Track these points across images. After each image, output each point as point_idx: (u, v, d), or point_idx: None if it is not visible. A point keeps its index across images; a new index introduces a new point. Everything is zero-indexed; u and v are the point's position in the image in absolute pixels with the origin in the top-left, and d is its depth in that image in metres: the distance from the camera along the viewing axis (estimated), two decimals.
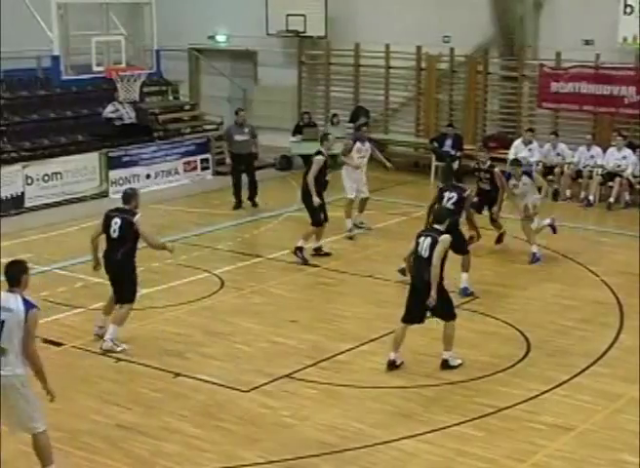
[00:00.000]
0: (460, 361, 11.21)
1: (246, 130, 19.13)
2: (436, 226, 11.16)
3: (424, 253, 10.91)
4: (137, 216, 11.59)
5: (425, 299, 10.89)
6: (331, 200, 16.60)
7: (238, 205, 18.91)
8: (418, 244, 11.06)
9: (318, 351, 11.75)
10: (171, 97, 24.32)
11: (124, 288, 11.78)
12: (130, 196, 11.89)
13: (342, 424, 9.84)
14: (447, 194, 13.77)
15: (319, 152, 15.35)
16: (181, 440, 9.50)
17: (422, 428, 9.72)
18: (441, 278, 10.90)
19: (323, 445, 9.40)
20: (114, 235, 11.62)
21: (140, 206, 11.95)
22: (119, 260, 11.66)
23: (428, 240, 10.92)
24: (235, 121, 19.33)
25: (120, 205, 11.86)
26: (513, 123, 21.87)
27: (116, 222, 11.59)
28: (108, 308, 12.03)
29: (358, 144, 17.38)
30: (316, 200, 15.16)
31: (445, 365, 11.14)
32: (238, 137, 18.96)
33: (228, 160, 19.23)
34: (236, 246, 16.48)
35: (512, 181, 15.69)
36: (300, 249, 15.16)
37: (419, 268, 11.04)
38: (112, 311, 11.96)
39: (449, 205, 13.54)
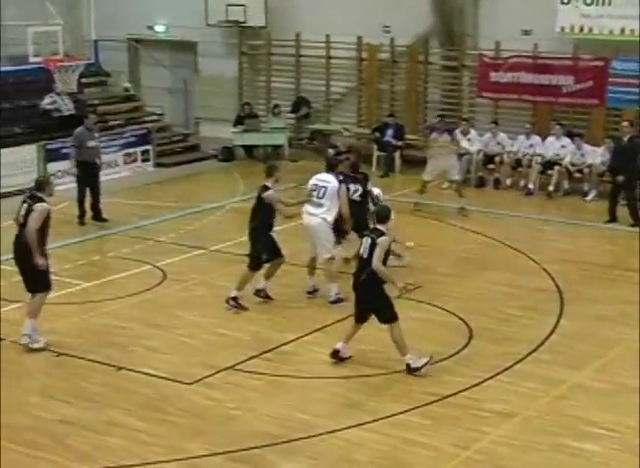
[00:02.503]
0: (425, 360, 10.87)
1: (96, 135, 17.75)
2: (378, 226, 10.99)
3: (364, 254, 10.84)
4: (38, 204, 11.28)
5: (364, 299, 10.88)
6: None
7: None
8: (360, 244, 11.00)
9: (262, 342, 11.72)
10: (123, 89, 24.23)
11: (32, 277, 11.43)
12: (43, 183, 11.72)
13: (288, 415, 9.84)
14: (351, 186, 13.65)
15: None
16: (126, 434, 9.42)
17: (368, 417, 9.75)
18: (381, 281, 10.77)
19: (269, 435, 9.38)
20: (21, 220, 11.38)
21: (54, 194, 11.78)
22: (22, 248, 11.34)
23: (368, 240, 10.82)
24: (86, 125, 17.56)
25: (34, 192, 11.59)
26: (454, 112, 21.97)
27: (23, 208, 11.39)
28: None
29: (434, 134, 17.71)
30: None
31: (409, 369, 10.81)
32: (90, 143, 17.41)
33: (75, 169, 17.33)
34: (179, 238, 16.35)
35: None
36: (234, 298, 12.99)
37: (358, 268, 11.00)
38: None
39: (355, 197, 13.55)
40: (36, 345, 11.45)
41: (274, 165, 13.64)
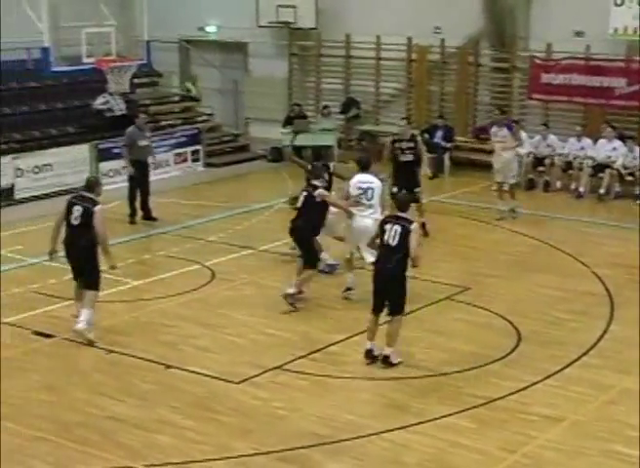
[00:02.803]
0: (400, 360, 11.00)
1: (148, 134, 17.94)
2: (401, 214, 11.09)
3: (392, 242, 10.86)
4: (98, 207, 11.64)
5: (388, 287, 10.92)
6: None
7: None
8: (384, 231, 10.96)
9: (310, 342, 11.76)
10: (185, 89, 24.43)
11: (90, 273, 11.77)
12: (93, 184, 12.02)
13: (334, 415, 9.86)
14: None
15: None
16: (174, 432, 9.50)
17: (414, 419, 9.75)
18: (406, 270, 10.92)
19: (315, 436, 9.42)
20: (75, 222, 11.66)
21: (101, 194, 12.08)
22: (83, 247, 11.64)
23: (397, 228, 10.85)
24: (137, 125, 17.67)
25: (83, 192, 11.92)
26: (504, 114, 21.80)
27: (77, 210, 11.66)
28: (80, 295, 12.00)
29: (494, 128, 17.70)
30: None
31: (385, 361, 10.94)
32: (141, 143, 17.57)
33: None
34: (228, 238, 16.46)
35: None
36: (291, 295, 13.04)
37: (386, 256, 10.97)
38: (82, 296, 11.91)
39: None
40: (91, 335, 11.66)
41: (322, 166, 13.84)
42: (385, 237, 10.93)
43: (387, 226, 10.97)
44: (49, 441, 9.27)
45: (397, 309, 11.00)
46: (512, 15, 21.35)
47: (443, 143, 21.33)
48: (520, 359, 11.29)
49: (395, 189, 15.26)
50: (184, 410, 9.96)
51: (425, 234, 15.45)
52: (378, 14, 22.31)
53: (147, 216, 17.40)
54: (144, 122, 17.97)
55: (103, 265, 11.90)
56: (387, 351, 10.96)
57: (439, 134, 21.43)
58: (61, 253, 12.00)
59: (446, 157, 21.43)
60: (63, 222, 11.85)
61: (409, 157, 15.74)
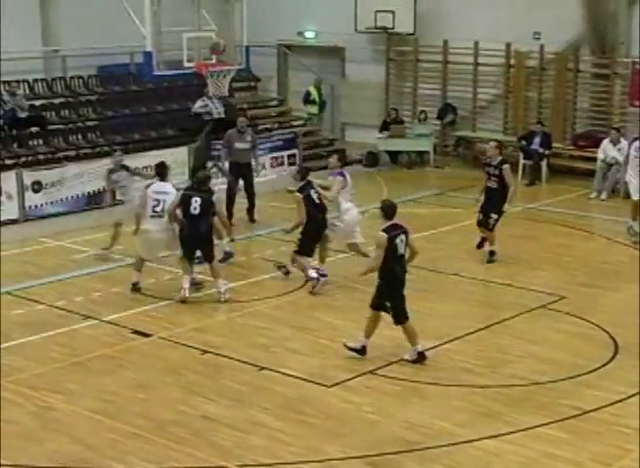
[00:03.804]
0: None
1: (248, 138, 17.97)
2: (396, 222, 11.24)
3: (403, 251, 11.17)
4: (215, 197, 13.51)
5: (401, 295, 11.21)
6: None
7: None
8: (395, 246, 11.04)
9: (402, 348, 11.73)
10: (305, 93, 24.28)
11: (209, 252, 13.40)
12: (206, 178, 13.79)
13: (425, 422, 9.84)
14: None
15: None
16: (266, 433, 9.59)
17: (506, 428, 9.66)
18: None
19: (405, 442, 9.41)
20: (195, 212, 13.19)
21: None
22: (204, 232, 13.24)
23: (403, 237, 11.14)
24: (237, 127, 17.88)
25: (197, 186, 13.57)
26: (604, 121, 21.52)
27: (196, 201, 13.17)
28: (187, 269, 13.40)
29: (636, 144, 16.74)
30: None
31: (422, 356, 11.26)
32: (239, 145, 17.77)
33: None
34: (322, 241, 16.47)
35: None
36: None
37: (399, 265, 11.16)
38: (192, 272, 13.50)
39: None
40: (228, 295, 13.41)
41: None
42: (398, 249, 11.07)
43: (397, 240, 11.07)
44: (143, 438, 9.45)
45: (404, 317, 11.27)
46: (613, 20, 21.00)
47: (540, 150, 21.07)
48: (616, 370, 11.10)
49: (478, 211, 15.15)
50: (276, 412, 10.05)
51: (491, 260, 15.11)
52: (476, 19, 22.18)
53: (250, 218, 17.81)
54: (244, 125, 18.16)
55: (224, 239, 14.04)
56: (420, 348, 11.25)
57: (536, 140, 21.18)
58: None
59: (543, 164, 21.17)
60: (176, 212, 13.38)
61: (493, 184, 15.05)
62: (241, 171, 17.69)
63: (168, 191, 13.60)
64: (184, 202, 13.28)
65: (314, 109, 24.28)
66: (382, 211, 11.30)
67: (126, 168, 15.59)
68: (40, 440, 9.44)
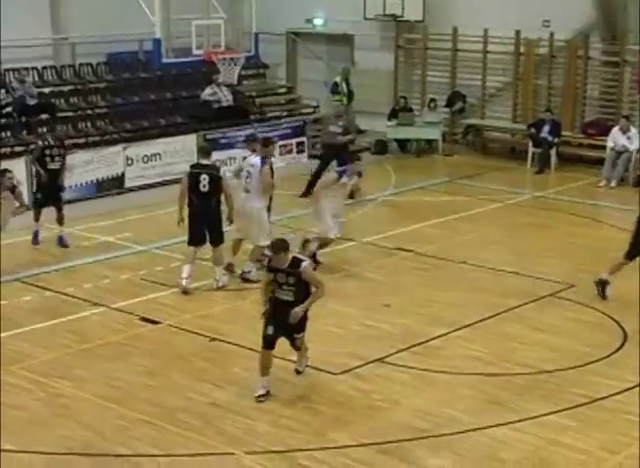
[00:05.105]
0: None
1: (341, 122, 18.99)
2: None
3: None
4: (222, 170, 13.38)
5: None
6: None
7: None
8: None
9: (411, 336, 11.75)
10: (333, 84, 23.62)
11: (219, 231, 13.25)
12: (209, 150, 13.79)
13: (434, 409, 9.84)
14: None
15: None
16: (273, 420, 9.61)
17: (515, 416, 9.66)
18: None
19: (414, 429, 9.42)
20: (204, 190, 13.01)
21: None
22: (214, 209, 13.07)
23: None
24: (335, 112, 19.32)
25: (201, 161, 13.43)
26: (613, 109, 21.44)
27: (204, 178, 13.00)
28: (193, 259, 13.29)
29: None
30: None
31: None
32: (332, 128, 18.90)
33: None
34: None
35: None
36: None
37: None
38: (194, 260, 13.30)
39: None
40: (225, 277, 13.39)
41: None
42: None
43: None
44: (152, 424, 9.48)
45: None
46: (623, 7, 20.89)
47: (550, 138, 21.01)
48: (625, 359, 11.08)
49: None
50: (284, 399, 10.06)
51: None
52: (485, 7, 22.07)
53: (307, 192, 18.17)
54: (342, 111, 19.60)
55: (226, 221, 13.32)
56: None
57: (546, 128, 21.11)
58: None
59: (552, 152, 21.11)
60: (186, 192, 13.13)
61: None
62: (333, 152, 18.39)
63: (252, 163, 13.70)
64: (193, 179, 13.08)
65: (342, 100, 24.06)
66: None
67: None
68: (49, 426, 9.48)
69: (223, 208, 13.29)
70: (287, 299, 9.98)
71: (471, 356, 11.16)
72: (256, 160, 13.58)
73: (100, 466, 8.85)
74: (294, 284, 9.90)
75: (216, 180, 13.06)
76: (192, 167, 13.38)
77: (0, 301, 12.66)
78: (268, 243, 12.31)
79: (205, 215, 13.10)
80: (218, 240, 13.29)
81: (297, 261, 9.89)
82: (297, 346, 10.33)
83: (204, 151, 13.74)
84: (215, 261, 13.39)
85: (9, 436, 9.19)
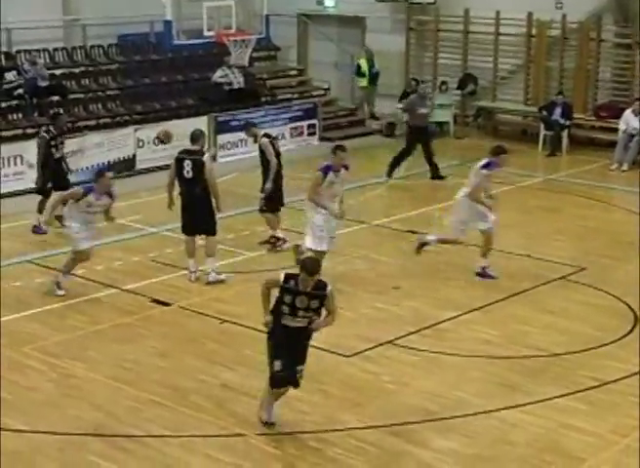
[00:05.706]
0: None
1: (428, 102, 19.27)
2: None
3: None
4: (206, 156, 12.84)
5: None
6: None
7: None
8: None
9: (420, 318, 11.77)
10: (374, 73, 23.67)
11: (208, 220, 12.84)
12: (197, 136, 13.05)
13: (444, 392, 9.87)
14: None
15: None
16: (283, 402, 9.61)
17: (525, 399, 9.68)
18: None
19: (424, 411, 9.45)
20: (188, 176, 12.71)
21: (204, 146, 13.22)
22: (199, 196, 12.68)
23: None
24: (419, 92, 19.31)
25: (188, 147, 13.01)
26: (626, 92, 21.35)
27: (188, 164, 12.71)
28: (193, 252, 13.01)
29: None
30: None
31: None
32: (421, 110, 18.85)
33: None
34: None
35: None
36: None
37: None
38: (195, 252, 13.03)
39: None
40: (222, 276, 12.94)
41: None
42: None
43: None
44: (164, 406, 9.53)
45: None
46: None
47: (561, 121, 20.95)
48: (635, 342, 11.07)
49: None
50: None
51: None
52: None
53: (435, 175, 18.66)
54: (427, 91, 19.61)
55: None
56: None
57: (557, 111, 21.04)
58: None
59: (564, 134, 21.06)
60: (175, 178, 12.88)
61: None
62: (421, 134, 18.54)
63: None
64: (178, 166, 12.81)
65: (364, 82, 23.97)
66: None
67: None
68: (61, 407, 9.55)
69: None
70: (299, 326, 8.83)
71: (481, 339, 11.18)
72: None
73: (112, 447, 8.91)
74: (314, 309, 8.75)
75: (199, 166, 12.64)
76: (179, 153, 13.01)
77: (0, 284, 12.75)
78: (314, 247, 12.27)
79: (191, 203, 12.77)
80: (207, 230, 12.94)
81: (321, 284, 8.76)
82: (297, 383, 9.03)
83: (192, 137, 13.09)
84: (206, 252, 13.03)
85: (21, 416, 9.27)
